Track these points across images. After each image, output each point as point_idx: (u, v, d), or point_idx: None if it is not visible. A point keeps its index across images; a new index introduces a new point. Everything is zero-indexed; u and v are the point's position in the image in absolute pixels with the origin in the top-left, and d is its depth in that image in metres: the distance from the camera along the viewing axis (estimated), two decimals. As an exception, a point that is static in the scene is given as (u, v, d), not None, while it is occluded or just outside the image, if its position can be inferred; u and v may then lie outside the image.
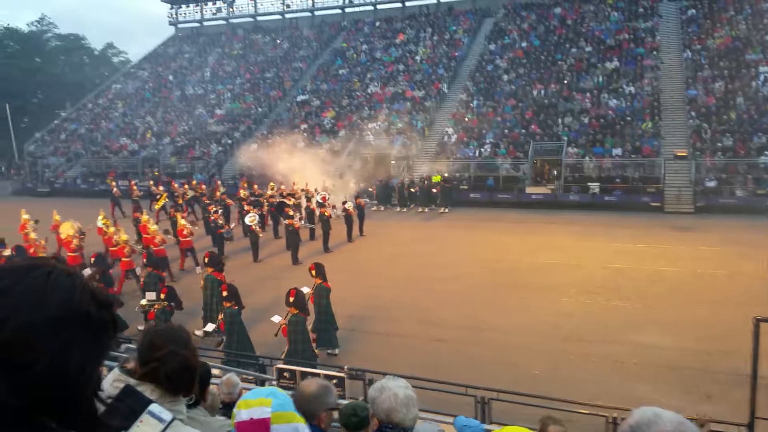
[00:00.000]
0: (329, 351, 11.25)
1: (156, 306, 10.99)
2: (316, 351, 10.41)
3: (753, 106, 28.15)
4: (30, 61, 58.32)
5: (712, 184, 25.87)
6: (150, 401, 1.28)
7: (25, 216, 19.24)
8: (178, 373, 1.82)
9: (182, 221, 17.99)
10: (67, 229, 17.27)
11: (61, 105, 52.71)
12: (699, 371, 10.06)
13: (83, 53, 66.00)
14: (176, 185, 28.35)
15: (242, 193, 24.43)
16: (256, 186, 26.86)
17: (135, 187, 27.37)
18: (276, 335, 10.35)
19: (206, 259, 12.72)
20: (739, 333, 11.49)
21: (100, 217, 19.24)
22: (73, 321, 0.86)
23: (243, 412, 1.85)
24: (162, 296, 11.25)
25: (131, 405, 1.24)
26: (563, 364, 10.56)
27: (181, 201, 24.30)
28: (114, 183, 29.47)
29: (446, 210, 26.69)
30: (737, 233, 19.88)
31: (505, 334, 11.95)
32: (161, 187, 27.73)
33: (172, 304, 11.40)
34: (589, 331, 11.94)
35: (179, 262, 18.00)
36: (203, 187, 27.88)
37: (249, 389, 6.94)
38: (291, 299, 9.96)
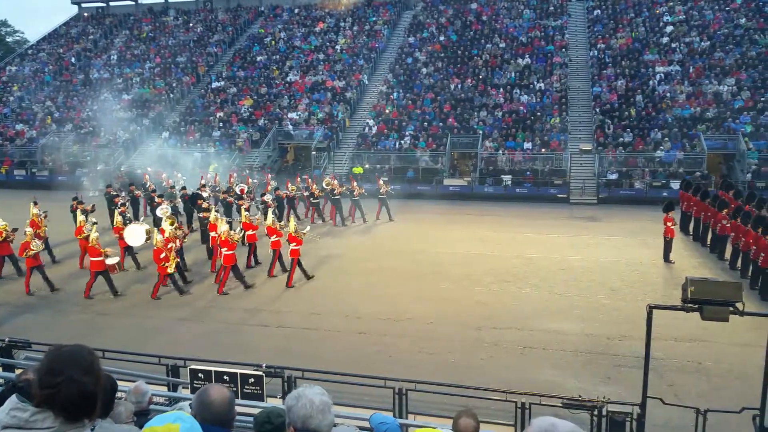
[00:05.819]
0: None
1: None
2: None
3: (650, 104, 30.19)
4: None
5: (613, 176, 27.57)
6: None
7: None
8: (75, 401, 1.72)
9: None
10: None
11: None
12: (600, 355, 10.74)
13: (-29, 30, 60.14)
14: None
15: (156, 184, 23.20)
16: (166, 177, 25.39)
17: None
18: None
19: None
20: (636, 318, 12.36)
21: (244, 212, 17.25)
22: None
23: (149, 441, 1.79)
24: None
25: None
26: (477, 351, 10.95)
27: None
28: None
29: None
30: (636, 223, 21.35)
31: (425, 324, 12.22)
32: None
33: None
34: (502, 319, 12.43)
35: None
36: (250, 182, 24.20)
37: (160, 395, 6.65)
38: None
